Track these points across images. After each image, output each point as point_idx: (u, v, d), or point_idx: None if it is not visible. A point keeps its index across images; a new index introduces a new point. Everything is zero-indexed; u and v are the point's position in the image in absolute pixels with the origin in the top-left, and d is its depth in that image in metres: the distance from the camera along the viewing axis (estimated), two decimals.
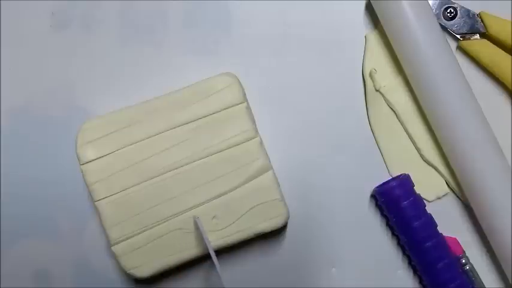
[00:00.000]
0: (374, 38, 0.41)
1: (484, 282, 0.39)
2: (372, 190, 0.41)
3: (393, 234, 0.41)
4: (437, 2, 0.41)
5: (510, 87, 0.40)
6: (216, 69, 0.39)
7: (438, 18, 0.40)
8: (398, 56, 0.40)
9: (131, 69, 0.41)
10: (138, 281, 0.40)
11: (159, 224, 0.37)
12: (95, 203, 0.37)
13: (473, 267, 0.39)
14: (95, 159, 0.37)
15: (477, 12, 0.41)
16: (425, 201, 0.40)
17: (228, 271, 0.40)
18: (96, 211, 0.37)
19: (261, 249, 0.41)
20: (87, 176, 0.37)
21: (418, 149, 0.41)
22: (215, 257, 0.36)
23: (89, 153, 0.37)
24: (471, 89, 0.39)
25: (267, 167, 0.38)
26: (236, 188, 0.38)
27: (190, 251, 0.38)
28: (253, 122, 0.39)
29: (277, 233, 0.40)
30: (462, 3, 0.41)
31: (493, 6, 0.41)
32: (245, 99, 0.38)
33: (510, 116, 0.41)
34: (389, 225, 0.40)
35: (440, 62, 0.38)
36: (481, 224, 0.39)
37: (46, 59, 0.41)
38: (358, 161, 0.41)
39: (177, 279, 0.40)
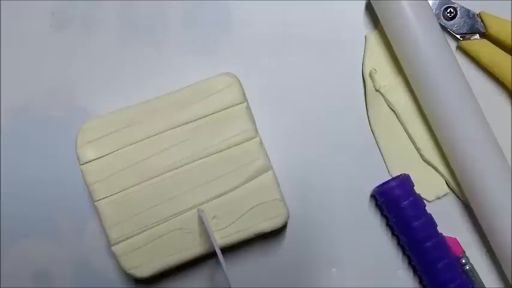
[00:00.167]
0: (374, 38, 0.41)
1: (484, 282, 0.39)
2: (371, 190, 0.41)
3: (393, 234, 0.41)
4: (437, 2, 0.41)
5: (510, 87, 0.40)
6: (216, 69, 0.39)
7: (438, 18, 0.40)
8: (398, 56, 0.40)
9: (131, 69, 0.41)
10: (138, 281, 0.40)
11: (159, 224, 0.37)
12: (95, 203, 0.37)
13: (473, 267, 0.39)
14: (95, 159, 0.37)
15: (477, 12, 0.41)
16: (425, 201, 0.40)
17: (228, 271, 0.40)
18: (96, 211, 0.37)
19: (261, 249, 0.41)
20: (87, 176, 0.37)
21: (418, 149, 0.41)
22: (220, 253, 0.36)
23: (88, 153, 0.37)
24: (471, 89, 0.39)
25: (267, 167, 0.38)
26: (236, 188, 0.38)
27: (190, 251, 0.38)
28: (253, 122, 0.39)
29: (277, 233, 0.40)
30: (462, 3, 0.41)
31: (493, 6, 0.41)
32: (245, 99, 0.38)
33: (510, 116, 0.41)
34: (389, 225, 0.40)
35: (440, 62, 0.38)
36: (481, 224, 0.39)
37: (46, 59, 0.41)
38: (358, 161, 0.41)
39: (177, 279, 0.40)
